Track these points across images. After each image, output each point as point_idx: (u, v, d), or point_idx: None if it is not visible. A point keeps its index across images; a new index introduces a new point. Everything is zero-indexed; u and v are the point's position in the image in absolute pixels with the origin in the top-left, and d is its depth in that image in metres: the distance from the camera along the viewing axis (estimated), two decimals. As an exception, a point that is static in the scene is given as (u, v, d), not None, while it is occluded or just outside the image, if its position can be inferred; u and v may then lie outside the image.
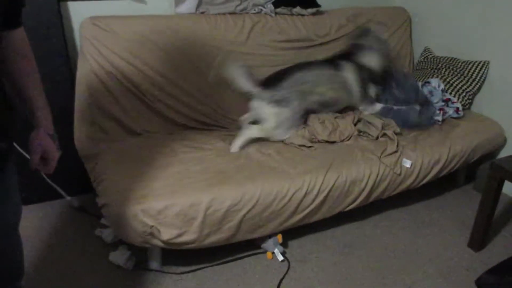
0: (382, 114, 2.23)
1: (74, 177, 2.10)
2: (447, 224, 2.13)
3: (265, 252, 1.82)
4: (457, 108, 2.35)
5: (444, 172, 2.11)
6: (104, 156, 1.82)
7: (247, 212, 1.62)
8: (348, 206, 1.86)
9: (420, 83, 2.44)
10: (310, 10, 2.49)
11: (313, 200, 1.74)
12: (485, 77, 2.43)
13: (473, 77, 2.43)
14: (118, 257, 1.73)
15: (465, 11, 2.51)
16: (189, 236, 1.55)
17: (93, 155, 1.85)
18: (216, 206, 1.56)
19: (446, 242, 2.00)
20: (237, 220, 1.61)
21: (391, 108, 2.26)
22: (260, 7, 2.39)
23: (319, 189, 1.74)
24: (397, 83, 2.34)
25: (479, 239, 1.92)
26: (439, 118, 2.27)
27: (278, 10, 2.42)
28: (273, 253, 1.80)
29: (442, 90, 2.41)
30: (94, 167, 1.79)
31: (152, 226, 1.49)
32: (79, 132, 1.94)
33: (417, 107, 2.25)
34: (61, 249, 1.85)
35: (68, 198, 2.11)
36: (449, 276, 1.79)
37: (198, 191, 1.58)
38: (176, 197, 1.54)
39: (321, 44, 2.50)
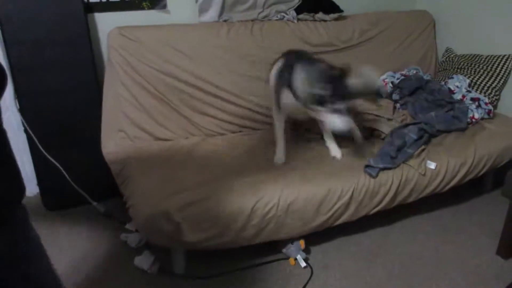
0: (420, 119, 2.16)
1: (100, 183, 2.16)
2: (474, 230, 2.08)
3: (287, 258, 1.82)
4: (490, 110, 2.30)
5: (471, 176, 2.06)
6: (131, 160, 1.86)
7: (276, 212, 1.63)
8: (373, 209, 1.84)
9: (442, 83, 2.41)
10: (332, 16, 2.49)
11: (337, 201, 1.73)
12: (510, 71, 2.38)
13: (497, 71, 2.38)
14: (143, 261, 1.76)
15: (485, 7, 2.47)
16: (213, 234, 1.58)
17: (120, 160, 1.90)
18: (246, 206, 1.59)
19: (474, 249, 1.95)
20: (263, 219, 1.62)
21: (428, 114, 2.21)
22: (282, 14, 2.41)
23: (343, 190, 1.73)
24: (427, 90, 2.31)
25: (508, 246, 1.87)
26: (476, 115, 2.23)
27: (300, 16, 2.43)
28: (295, 259, 1.79)
29: (469, 85, 2.36)
30: (121, 170, 1.84)
31: (179, 223, 1.51)
32: (106, 139, 1.99)
33: (450, 109, 2.21)
34: (87, 253, 1.90)
35: (94, 203, 2.17)
36: (477, 285, 1.74)
37: (225, 192, 1.60)
38: (204, 196, 1.57)
39: (344, 48, 2.49)
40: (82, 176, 2.14)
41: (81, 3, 1.95)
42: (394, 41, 2.65)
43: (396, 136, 1.99)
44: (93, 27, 2.13)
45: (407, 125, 2.07)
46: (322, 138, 2.03)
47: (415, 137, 1.97)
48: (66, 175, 2.10)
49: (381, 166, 1.82)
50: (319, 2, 2.49)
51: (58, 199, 2.19)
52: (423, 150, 1.96)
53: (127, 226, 2.00)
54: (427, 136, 2.05)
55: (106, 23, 2.13)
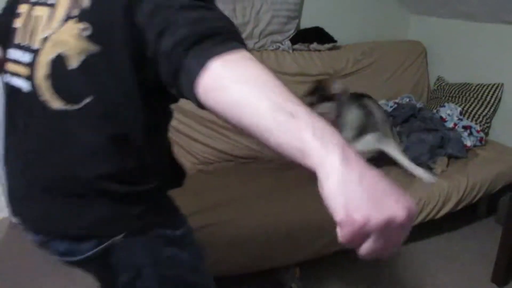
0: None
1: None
2: (469, 258, 2.09)
3: (282, 286, 1.82)
4: (481, 138, 2.34)
5: (464, 203, 2.08)
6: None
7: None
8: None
9: (434, 111, 2.46)
10: (326, 46, 2.56)
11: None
12: (500, 99, 2.43)
13: (488, 99, 2.43)
14: None
15: (474, 37, 2.55)
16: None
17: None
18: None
19: (469, 277, 1.96)
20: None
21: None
22: (278, 44, 2.48)
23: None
24: (420, 118, 2.37)
25: (503, 273, 1.88)
26: (468, 143, 2.28)
27: (295, 46, 2.50)
28: (290, 287, 1.79)
29: (460, 113, 2.42)
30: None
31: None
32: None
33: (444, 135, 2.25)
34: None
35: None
36: (473, 313, 1.74)
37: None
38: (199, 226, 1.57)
39: (338, 78, 2.56)
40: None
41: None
42: (387, 70, 2.72)
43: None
44: None
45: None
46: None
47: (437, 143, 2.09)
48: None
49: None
50: (314, 33, 2.57)
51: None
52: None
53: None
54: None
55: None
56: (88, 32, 0.71)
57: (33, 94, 0.74)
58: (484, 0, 2.20)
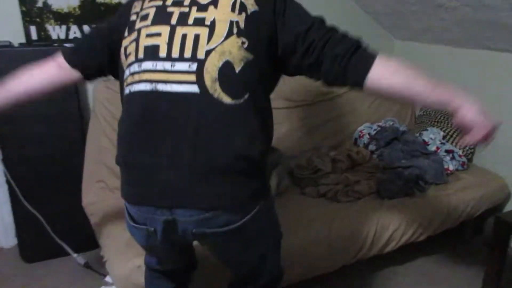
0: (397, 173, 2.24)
1: (81, 234, 2.14)
2: (456, 280, 2.08)
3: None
4: (464, 162, 2.37)
5: (446, 225, 2.09)
6: (109, 212, 1.86)
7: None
8: (352, 259, 1.86)
9: (417, 134, 2.50)
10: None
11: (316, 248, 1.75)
12: (483, 126, 2.46)
13: (472, 125, 2.46)
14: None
15: (458, 65, 2.60)
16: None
17: (98, 211, 1.91)
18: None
19: (455, 300, 1.95)
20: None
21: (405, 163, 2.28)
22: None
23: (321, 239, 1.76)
24: (402, 141, 2.40)
25: (489, 296, 1.87)
26: (450, 167, 2.30)
27: (280, 71, 2.54)
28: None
29: (443, 137, 2.44)
30: (99, 222, 1.84)
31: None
32: (86, 190, 2.01)
33: (427, 160, 2.28)
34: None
35: (74, 255, 2.14)
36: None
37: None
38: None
39: (324, 101, 2.59)
40: (62, 227, 2.13)
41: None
42: (370, 95, 2.76)
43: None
44: (80, 81, 2.20)
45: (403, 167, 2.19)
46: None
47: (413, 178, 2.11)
48: (47, 226, 2.09)
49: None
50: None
51: (37, 250, 2.16)
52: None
53: (107, 278, 1.97)
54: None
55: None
56: (246, 45, 0.99)
57: (205, 94, 0.96)
58: (466, 27, 2.26)
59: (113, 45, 1.14)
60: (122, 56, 1.10)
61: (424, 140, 2.43)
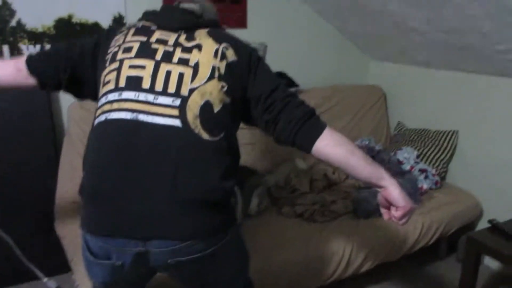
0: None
1: (52, 258, 2.09)
2: (431, 299, 2.11)
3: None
4: (437, 181, 2.42)
5: (421, 244, 2.11)
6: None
7: None
8: (327, 280, 1.85)
9: (392, 154, 2.54)
10: (289, 90, 2.63)
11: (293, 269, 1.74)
12: (456, 145, 2.53)
13: (444, 145, 2.53)
14: None
15: (431, 85, 2.67)
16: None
17: (71, 234, 1.86)
18: None
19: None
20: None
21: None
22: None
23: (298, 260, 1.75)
24: (378, 160, 2.42)
25: (463, 313, 1.89)
26: (424, 185, 2.33)
27: (258, 90, 2.56)
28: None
29: (417, 156, 2.49)
30: (71, 245, 1.79)
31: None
32: (60, 212, 1.96)
33: (401, 179, 2.30)
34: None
35: (45, 279, 2.08)
36: None
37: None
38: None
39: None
40: (33, 250, 2.07)
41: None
42: (348, 113, 2.80)
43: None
44: (55, 99, 2.17)
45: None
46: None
47: None
48: (15, 249, 2.02)
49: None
50: (277, 77, 2.65)
51: (5, 275, 2.09)
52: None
53: (78, 302, 1.92)
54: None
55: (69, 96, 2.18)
56: (225, 88, 1.08)
57: (187, 129, 1.02)
58: (440, 50, 2.34)
59: (78, 67, 1.17)
60: (100, 84, 1.12)
61: (398, 159, 2.47)
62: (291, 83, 2.67)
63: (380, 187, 1.11)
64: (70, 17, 2.12)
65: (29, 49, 2.06)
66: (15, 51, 2.04)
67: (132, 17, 2.26)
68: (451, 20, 1.95)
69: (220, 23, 1.26)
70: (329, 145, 1.09)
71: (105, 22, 2.21)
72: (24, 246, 2.05)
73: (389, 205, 1.13)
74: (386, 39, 2.61)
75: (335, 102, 2.76)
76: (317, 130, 1.10)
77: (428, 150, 2.55)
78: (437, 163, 2.50)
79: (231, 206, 1.14)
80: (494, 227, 1.88)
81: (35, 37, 2.06)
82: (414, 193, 2.24)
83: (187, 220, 1.01)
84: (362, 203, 2.11)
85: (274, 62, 2.75)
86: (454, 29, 2.02)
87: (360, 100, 2.88)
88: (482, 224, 2.37)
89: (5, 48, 2.02)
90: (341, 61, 3.06)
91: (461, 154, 2.52)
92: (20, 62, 1.16)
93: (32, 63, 1.16)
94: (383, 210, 1.17)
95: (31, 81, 1.16)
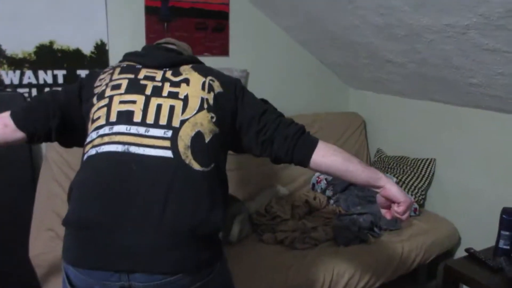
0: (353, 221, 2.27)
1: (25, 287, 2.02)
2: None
3: None
4: (416, 208, 2.45)
5: (400, 271, 2.12)
6: (59, 264, 1.78)
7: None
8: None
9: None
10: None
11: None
12: (433, 173, 2.58)
13: (422, 173, 2.57)
14: None
15: (410, 114, 2.73)
16: None
17: (47, 262, 1.81)
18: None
19: None
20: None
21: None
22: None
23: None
24: (358, 187, 2.45)
25: None
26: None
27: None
28: None
29: (396, 183, 2.52)
30: (47, 275, 1.75)
31: None
32: (34, 239, 1.91)
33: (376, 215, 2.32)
34: None
35: (18, 310, 2.01)
36: None
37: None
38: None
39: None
40: (5, 279, 2.01)
41: (23, 99, 1.98)
42: (329, 140, 2.65)
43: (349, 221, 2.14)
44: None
45: (358, 213, 2.24)
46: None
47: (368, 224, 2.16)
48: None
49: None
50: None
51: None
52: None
53: (51, 334, 1.86)
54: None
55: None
56: (214, 119, 1.12)
57: (178, 159, 1.03)
58: (412, 81, 2.41)
59: (67, 114, 1.17)
60: (88, 122, 1.13)
61: (378, 186, 2.50)
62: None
63: (379, 187, 1.17)
64: (51, 43, 2.12)
65: (9, 74, 2.05)
66: (-6, 77, 2.02)
67: (114, 44, 2.27)
68: (425, 54, 2.02)
69: (199, 60, 1.31)
70: (326, 156, 1.16)
71: (87, 49, 2.21)
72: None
73: (389, 204, 1.19)
74: (364, 69, 2.68)
75: (316, 129, 2.80)
76: (312, 143, 1.17)
77: (407, 177, 2.59)
78: (415, 191, 2.54)
79: (219, 240, 1.14)
80: (471, 255, 1.91)
81: (15, 63, 2.06)
82: (394, 220, 2.26)
83: (172, 253, 1.00)
84: (342, 231, 2.12)
85: (256, 89, 2.77)
86: (427, 62, 2.10)
87: (340, 127, 2.93)
88: (460, 252, 2.40)
89: (-16, 73, 2.00)
90: (322, 89, 3.12)
91: (439, 182, 2.57)
92: (4, 118, 1.14)
93: (18, 117, 1.15)
94: (383, 211, 1.22)
95: (19, 134, 1.14)
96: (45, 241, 1.91)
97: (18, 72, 2.07)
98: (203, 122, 1.10)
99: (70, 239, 1.04)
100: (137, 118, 1.07)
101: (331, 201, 2.48)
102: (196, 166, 1.05)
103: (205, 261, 1.06)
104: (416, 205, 2.46)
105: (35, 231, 1.94)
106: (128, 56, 1.26)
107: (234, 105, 1.19)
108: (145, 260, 0.98)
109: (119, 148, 1.03)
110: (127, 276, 0.98)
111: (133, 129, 1.05)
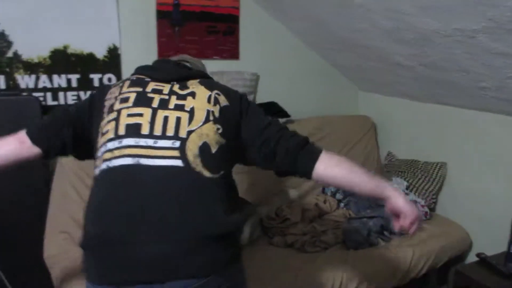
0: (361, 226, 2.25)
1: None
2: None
3: None
4: (426, 212, 2.43)
5: (411, 276, 2.11)
6: (72, 266, 1.81)
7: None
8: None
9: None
10: (280, 120, 2.67)
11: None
12: (444, 177, 2.56)
13: (433, 176, 2.56)
14: None
15: (420, 117, 2.72)
16: None
17: (61, 264, 1.85)
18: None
19: None
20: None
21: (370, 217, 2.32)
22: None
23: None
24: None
25: None
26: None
27: (249, 120, 2.60)
28: None
29: (407, 187, 2.51)
30: (61, 276, 1.78)
31: None
32: (49, 241, 1.95)
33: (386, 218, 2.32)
34: None
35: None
36: None
37: None
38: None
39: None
40: (20, 281, 2.04)
41: (39, 107, 2.01)
42: (338, 143, 2.84)
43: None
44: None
45: (368, 217, 2.22)
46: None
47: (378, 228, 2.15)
48: (4, 279, 2.00)
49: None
50: (269, 108, 2.69)
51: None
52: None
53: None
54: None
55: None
56: (220, 131, 1.14)
57: (188, 168, 1.06)
58: (421, 83, 2.40)
59: (79, 128, 1.21)
60: (98, 135, 1.15)
61: (388, 190, 2.49)
62: (282, 113, 2.71)
63: (385, 198, 1.16)
64: (65, 47, 2.17)
65: (24, 79, 2.10)
66: (10, 81, 2.07)
67: (126, 48, 2.31)
68: (434, 57, 2.02)
69: (208, 75, 1.34)
70: (329, 167, 1.15)
71: (100, 53, 2.26)
72: (12, 276, 2.02)
73: (398, 215, 1.17)
74: (373, 72, 2.68)
75: (326, 132, 2.80)
76: (315, 154, 1.16)
77: (418, 181, 2.58)
78: (426, 194, 2.53)
79: (238, 240, 1.18)
80: (483, 261, 1.89)
81: (30, 67, 2.10)
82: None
83: (200, 257, 1.02)
84: (352, 234, 2.12)
85: (266, 92, 2.83)
86: (437, 66, 2.09)
87: (350, 131, 2.92)
88: (472, 256, 2.38)
89: (1, 79, 2.05)
90: (332, 92, 3.12)
91: (450, 185, 2.55)
92: (21, 135, 1.19)
93: (33, 133, 1.20)
94: (394, 218, 1.21)
95: (35, 150, 1.19)
96: (59, 243, 1.95)
97: (33, 76, 2.12)
98: (209, 133, 1.12)
99: (92, 258, 1.04)
100: (145, 130, 1.09)
101: (341, 204, 2.48)
102: (206, 173, 1.07)
103: (231, 260, 1.09)
104: (426, 209, 2.44)
105: (50, 233, 1.98)
106: (139, 70, 1.29)
107: (239, 118, 1.21)
108: (175, 268, 0.99)
109: (129, 161, 1.06)
110: (161, 286, 0.98)
111: (142, 141, 1.08)
